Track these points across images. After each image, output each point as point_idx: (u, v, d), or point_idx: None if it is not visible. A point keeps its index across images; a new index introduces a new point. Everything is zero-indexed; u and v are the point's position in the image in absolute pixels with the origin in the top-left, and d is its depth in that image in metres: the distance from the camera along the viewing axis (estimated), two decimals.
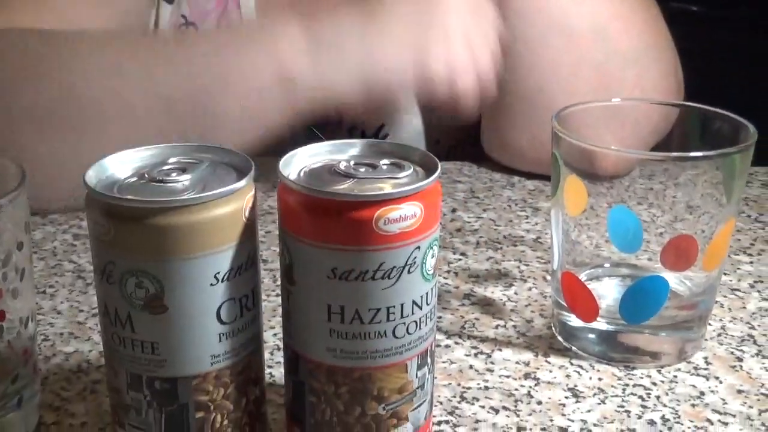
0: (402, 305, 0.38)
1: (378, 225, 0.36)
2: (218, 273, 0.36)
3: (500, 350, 0.52)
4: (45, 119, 0.61)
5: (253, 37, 0.65)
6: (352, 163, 0.39)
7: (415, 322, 0.39)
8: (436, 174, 0.38)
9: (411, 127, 0.83)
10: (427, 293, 0.39)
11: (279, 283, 0.41)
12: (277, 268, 0.42)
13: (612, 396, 0.47)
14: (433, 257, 0.39)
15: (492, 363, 0.50)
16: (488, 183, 0.77)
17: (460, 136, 0.84)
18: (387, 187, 0.37)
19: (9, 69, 0.63)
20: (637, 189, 0.53)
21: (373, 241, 0.36)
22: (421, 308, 0.39)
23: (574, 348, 0.51)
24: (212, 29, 0.76)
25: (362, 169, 0.39)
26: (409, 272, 0.37)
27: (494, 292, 0.58)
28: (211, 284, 0.36)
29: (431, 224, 0.38)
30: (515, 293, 0.58)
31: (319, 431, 0.40)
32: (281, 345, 0.42)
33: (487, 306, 0.56)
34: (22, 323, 0.41)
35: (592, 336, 0.51)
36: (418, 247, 0.37)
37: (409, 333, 0.39)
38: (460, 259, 0.63)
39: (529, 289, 0.59)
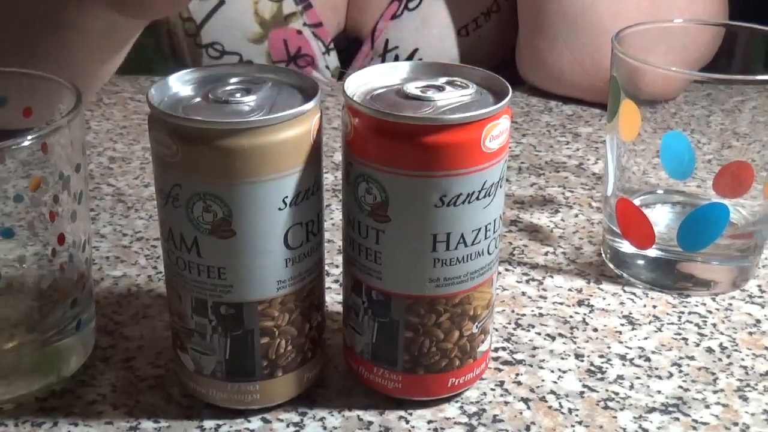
0: (495, 220, 0.38)
1: (485, 143, 0.35)
2: (286, 197, 0.36)
3: (551, 277, 0.51)
4: None
5: None
6: (416, 85, 0.38)
7: (499, 234, 0.39)
8: (509, 90, 0.37)
9: (443, 51, 0.81)
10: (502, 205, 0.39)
11: None
12: None
13: (668, 324, 0.47)
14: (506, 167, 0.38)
15: (544, 290, 0.50)
16: (525, 108, 0.76)
17: (494, 59, 0.82)
18: (469, 107, 0.36)
19: None
20: (683, 116, 0.52)
21: (479, 160, 0.36)
22: (501, 220, 0.39)
23: (625, 275, 0.51)
24: None
25: (430, 92, 0.37)
26: (500, 186, 0.37)
27: (540, 218, 0.57)
28: (279, 208, 0.36)
29: (509, 136, 0.38)
30: (562, 220, 0.57)
31: (415, 365, 0.39)
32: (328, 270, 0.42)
33: (535, 232, 0.56)
34: (79, 247, 0.40)
35: (644, 263, 0.50)
36: (506, 160, 0.37)
37: (496, 247, 0.39)
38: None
39: (576, 215, 0.58)
